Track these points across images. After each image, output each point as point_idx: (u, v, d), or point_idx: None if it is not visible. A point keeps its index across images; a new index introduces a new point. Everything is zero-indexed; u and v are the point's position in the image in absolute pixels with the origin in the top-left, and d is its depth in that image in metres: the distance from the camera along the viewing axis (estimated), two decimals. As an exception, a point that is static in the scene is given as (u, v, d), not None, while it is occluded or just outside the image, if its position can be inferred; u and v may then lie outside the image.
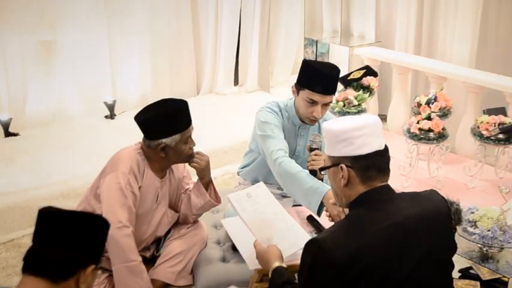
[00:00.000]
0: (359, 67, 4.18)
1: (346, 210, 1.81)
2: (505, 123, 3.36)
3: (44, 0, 4.56)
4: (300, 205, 2.66)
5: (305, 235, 2.20)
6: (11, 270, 3.15)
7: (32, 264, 1.45)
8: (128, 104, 5.19)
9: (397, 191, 1.73)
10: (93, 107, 5.00)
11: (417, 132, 3.40)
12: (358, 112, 3.72)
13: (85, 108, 4.99)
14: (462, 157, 4.00)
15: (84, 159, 4.07)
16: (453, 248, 1.75)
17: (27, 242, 3.28)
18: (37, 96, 4.73)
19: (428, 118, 3.43)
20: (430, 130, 3.39)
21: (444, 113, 3.63)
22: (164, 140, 2.42)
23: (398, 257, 1.58)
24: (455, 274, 2.29)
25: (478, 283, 2.28)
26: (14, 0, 4.41)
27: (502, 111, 3.49)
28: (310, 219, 2.51)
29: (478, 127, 3.42)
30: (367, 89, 3.93)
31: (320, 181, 2.43)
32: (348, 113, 3.71)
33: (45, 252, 1.45)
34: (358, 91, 3.85)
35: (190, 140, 2.51)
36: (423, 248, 1.62)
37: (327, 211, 2.32)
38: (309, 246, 1.61)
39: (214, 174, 2.71)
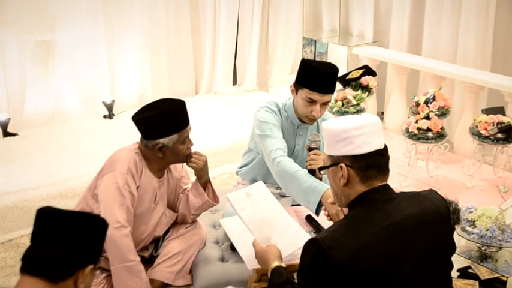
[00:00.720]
0: (357, 67, 4.18)
1: (345, 210, 1.81)
2: (503, 123, 3.36)
3: (42, 0, 4.56)
4: (298, 205, 2.66)
5: (304, 235, 2.20)
6: (10, 270, 3.15)
7: (30, 264, 1.45)
8: (127, 104, 5.19)
9: (395, 191, 1.73)
10: (91, 107, 5.00)
11: (416, 131, 3.40)
12: (357, 112, 3.72)
13: (84, 108, 4.99)
14: (461, 156, 4.01)
15: (83, 159, 4.07)
16: (452, 248, 1.75)
17: (26, 242, 3.29)
18: (36, 96, 4.72)
19: (427, 117, 3.44)
20: (428, 129, 3.39)
21: (443, 113, 3.63)
22: (162, 140, 2.42)
23: (398, 257, 1.58)
24: (454, 273, 2.28)
25: (477, 282, 2.28)
26: (13, 0, 4.40)
27: (500, 110, 3.49)
28: (309, 219, 2.51)
29: (477, 126, 3.42)
30: (366, 88, 3.93)
31: (319, 180, 2.43)
32: (347, 112, 3.71)
33: (43, 252, 1.45)
34: (357, 91, 3.86)
35: (188, 140, 2.51)
36: (423, 247, 1.62)
37: (325, 210, 2.31)
38: (309, 246, 1.60)
39: (212, 173, 2.72)
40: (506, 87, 3.87)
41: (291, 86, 2.68)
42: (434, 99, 3.66)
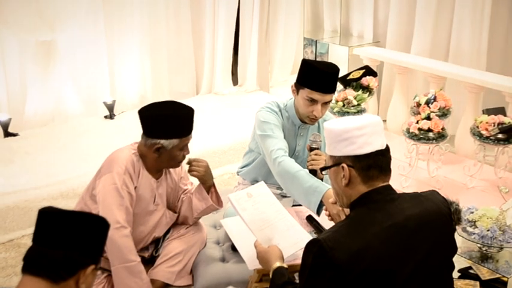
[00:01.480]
0: (358, 67, 4.18)
1: (346, 210, 1.81)
2: (504, 123, 3.36)
3: (43, 0, 4.56)
4: (299, 205, 2.66)
5: (306, 235, 2.20)
6: (11, 271, 3.15)
7: (31, 264, 1.45)
8: (127, 104, 5.19)
9: (396, 191, 1.73)
10: (92, 107, 5.00)
11: (416, 132, 3.40)
12: (358, 112, 3.72)
13: (84, 108, 4.99)
14: (461, 157, 4.01)
15: (84, 159, 4.07)
16: (454, 249, 1.75)
17: (27, 242, 3.29)
18: (36, 96, 4.72)
19: (428, 118, 3.44)
20: (429, 130, 3.39)
21: (443, 113, 3.64)
22: (162, 141, 2.41)
23: (400, 258, 1.58)
24: (455, 274, 2.28)
25: (478, 283, 2.28)
26: (13, 0, 4.40)
27: (501, 111, 3.50)
28: (310, 219, 2.51)
29: (478, 127, 3.42)
30: (367, 88, 3.93)
31: (320, 180, 2.43)
32: (348, 113, 3.71)
33: (45, 252, 1.45)
34: (358, 91, 3.86)
35: (186, 148, 2.51)
36: (424, 248, 1.62)
37: (326, 210, 2.31)
38: (310, 247, 1.60)
39: (213, 174, 2.71)
40: (507, 88, 3.87)
41: (291, 86, 2.68)
42: (435, 99, 3.66)
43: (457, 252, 1.79)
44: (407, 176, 3.54)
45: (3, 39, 4.47)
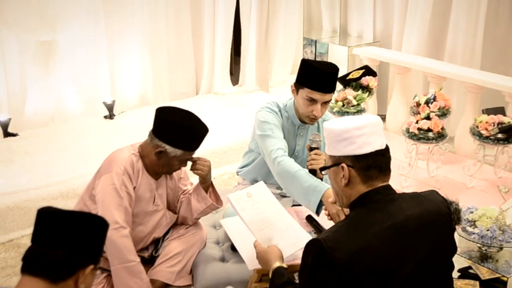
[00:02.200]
0: (358, 67, 4.18)
1: (346, 210, 1.81)
2: (504, 123, 3.36)
3: (43, 0, 4.56)
4: (299, 205, 2.66)
5: (306, 235, 2.20)
6: (10, 271, 3.15)
7: (31, 264, 1.45)
8: (127, 105, 5.19)
9: (396, 191, 1.73)
10: (92, 107, 5.00)
11: (416, 132, 3.40)
12: (357, 112, 3.73)
13: (84, 108, 4.99)
14: (461, 157, 4.01)
15: (84, 159, 4.07)
16: (454, 249, 1.75)
17: (27, 242, 3.29)
18: (36, 96, 4.72)
19: (428, 118, 3.44)
20: (429, 130, 3.39)
21: (443, 113, 3.64)
22: (167, 147, 2.42)
23: (400, 258, 1.58)
24: (455, 274, 2.29)
25: (477, 283, 2.28)
26: (13, 0, 4.40)
27: (501, 110, 3.50)
28: (310, 219, 2.51)
29: (477, 127, 3.42)
30: (366, 88, 3.93)
31: (319, 180, 2.43)
32: (347, 113, 3.71)
33: (44, 252, 1.45)
34: (357, 91, 3.86)
35: (185, 162, 2.53)
36: (424, 248, 1.62)
37: (326, 210, 2.31)
38: (310, 247, 1.60)
39: (213, 174, 2.71)
40: (507, 88, 3.87)
41: (291, 86, 2.68)
42: (435, 99, 3.66)
43: (457, 252, 1.79)
44: (407, 175, 3.54)
45: (4, 39, 4.47)
